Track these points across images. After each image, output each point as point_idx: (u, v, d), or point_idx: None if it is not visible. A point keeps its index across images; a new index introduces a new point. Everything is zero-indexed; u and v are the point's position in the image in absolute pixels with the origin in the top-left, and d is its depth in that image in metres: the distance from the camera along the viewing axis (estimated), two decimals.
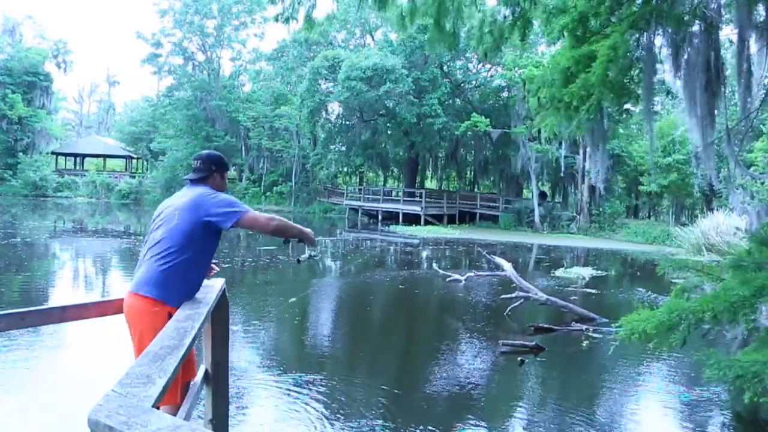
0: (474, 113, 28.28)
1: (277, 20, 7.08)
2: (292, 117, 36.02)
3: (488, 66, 32.95)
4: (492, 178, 38.18)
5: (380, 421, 5.06)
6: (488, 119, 28.20)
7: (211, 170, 3.10)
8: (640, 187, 27.47)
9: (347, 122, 33.65)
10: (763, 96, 5.36)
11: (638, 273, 15.82)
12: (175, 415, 2.40)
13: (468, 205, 31.68)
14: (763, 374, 3.74)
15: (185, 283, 2.81)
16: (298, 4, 5.99)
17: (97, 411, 1.32)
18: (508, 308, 9.31)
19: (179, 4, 40.11)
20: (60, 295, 9.87)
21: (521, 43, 5.77)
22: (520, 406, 5.70)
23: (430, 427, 5.13)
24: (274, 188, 38.76)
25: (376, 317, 10.01)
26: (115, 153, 47.14)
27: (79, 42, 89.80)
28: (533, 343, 7.50)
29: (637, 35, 4.77)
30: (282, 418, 5.16)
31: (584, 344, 7.79)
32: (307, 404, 5.40)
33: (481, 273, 11.32)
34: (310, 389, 5.80)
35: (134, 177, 43.93)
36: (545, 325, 8.58)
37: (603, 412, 5.51)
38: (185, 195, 2.99)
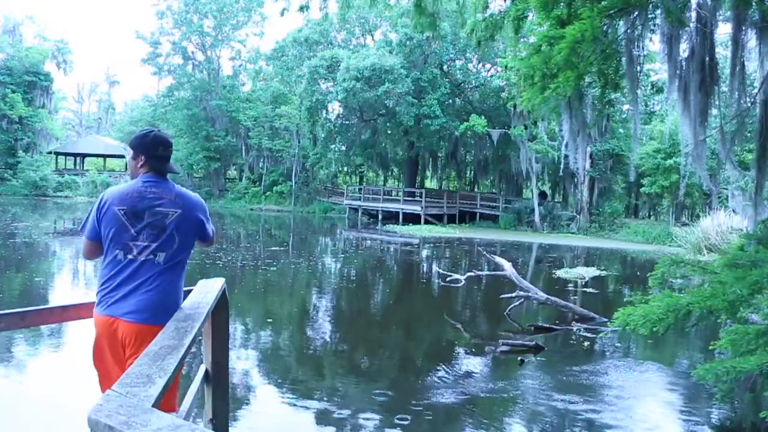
0: (474, 113, 28.26)
1: (282, 14, 7.15)
2: (292, 117, 36.02)
3: (488, 66, 32.94)
4: (492, 178, 38.17)
5: (380, 421, 5.08)
6: (488, 119, 28.18)
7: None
8: (642, 189, 27.45)
9: (347, 122, 33.63)
10: (756, 95, 5.38)
11: (638, 273, 15.83)
12: None
13: (468, 204, 31.68)
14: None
15: None
16: None
17: (97, 411, 1.33)
18: (508, 308, 9.31)
19: (178, 4, 40.12)
20: (60, 295, 9.88)
21: (515, 36, 5.79)
22: (520, 406, 5.71)
23: (430, 427, 5.14)
24: (274, 188, 38.77)
25: (375, 317, 10.02)
26: (115, 153, 47.11)
27: (79, 42, 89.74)
28: (533, 342, 7.51)
29: (620, 23, 4.80)
30: (282, 418, 5.17)
31: (584, 344, 7.80)
32: (306, 404, 5.42)
33: (481, 273, 11.33)
34: (309, 388, 5.81)
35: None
36: (545, 325, 8.59)
37: (603, 412, 5.53)
38: (170, 191, 2.71)
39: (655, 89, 25.85)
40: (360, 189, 36.05)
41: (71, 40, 67.38)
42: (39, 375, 5.91)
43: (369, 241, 22.96)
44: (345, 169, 42.95)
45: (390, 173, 44.46)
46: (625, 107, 26.03)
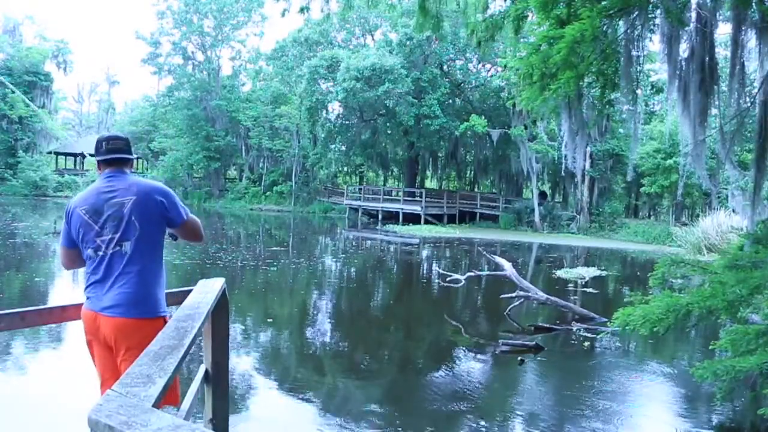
0: (474, 113, 28.26)
1: (283, 15, 7.16)
2: (292, 117, 36.02)
3: (488, 66, 32.93)
4: (492, 178, 38.18)
5: (380, 420, 5.08)
6: (488, 119, 28.17)
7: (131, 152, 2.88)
8: (641, 189, 27.45)
9: (347, 122, 33.62)
10: (756, 95, 5.38)
11: (638, 273, 15.83)
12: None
13: (468, 204, 31.68)
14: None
15: None
16: None
17: (97, 411, 1.33)
18: (508, 308, 9.32)
19: (178, 4, 40.13)
20: (60, 295, 9.89)
21: (515, 36, 5.80)
22: (520, 406, 5.72)
23: (430, 427, 5.14)
24: (274, 188, 38.77)
25: (375, 317, 10.03)
26: None
27: (79, 42, 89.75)
28: (533, 342, 7.51)
29: (620, 23, 4.80)
30: (282, 418, 5.18)
31: (584, 344, 7.80)
32: (306, 403, 5.42)
33: (481, 273, 11.34)
34: (309, 388, 5.81)
35: None
36: (545, 325, 8.59)
37: (603, 411, 5.53)
38: (124, 181, 2.75)
39: (655, 89, 25.83)
40: (360, 189, 36.05)
41: (71, 40, 67.46)
42: (39, 375, 5.91)
43: (369, 241, 22.96)
44: (345, 169, 42.95)
45: (390, 173, 44.47)
46: (625, 107, 26.01)
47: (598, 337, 7.92)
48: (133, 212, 2.62)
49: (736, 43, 4.93)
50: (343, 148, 35.46)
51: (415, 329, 9.20)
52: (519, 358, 6.92)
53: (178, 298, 2.84)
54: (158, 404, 1.44)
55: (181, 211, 2.78)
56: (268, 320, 9.02)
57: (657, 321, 4.32)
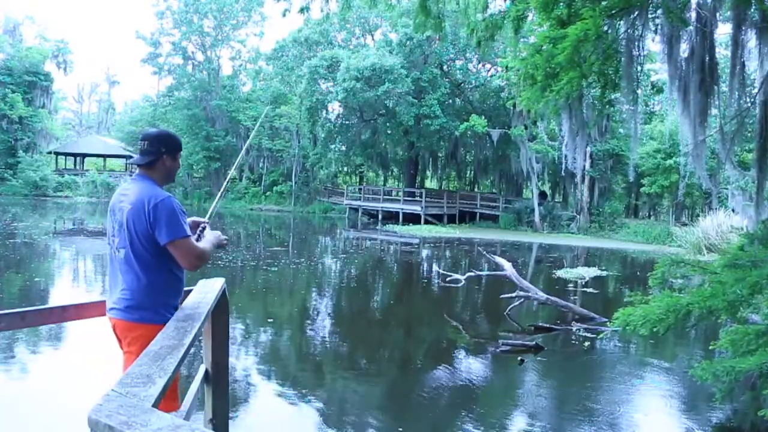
0: (474, 113, 28.26)
1: (284, 15, 7.16)
2: (292, 117, 36.03)
3: (488, 66, 32.93)
4: (492, 178, 38.17)
5: (380, 421, 5.08)
6: (488, 119, 28.17)
7: (161, 152, 2.70)
8: (642, 189, 27.45)
9: (347, 122, 33.62)
10: (756, 95, 5.38)
11: (638, 273, 15.83)
12: None
13: (468, 204, 31.68)
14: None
15: None
16: None
17: (98, 411, 1.33)
18: (508, 308, 9.32)
19: (178, 4, 40.14)
20: (60, 295, 9.89)
21: (515, 36, 5.80)
22: (520, 406, 5.72)
23: (430, 427, 5.14)
24: (274, 188, 38.78)
25: (375, 317, 10.02)
26: (115, 153, 47.11)
27: (79, 42, 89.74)
28: (533, 342, 7.51)
29: (621, 23, 4.80)
30: (282, 418, 5.17)
31: (584, 344, 7.80)
32: (306, 403, 5.42)
33: (481, 273, 11.34)
34: (309, 388, 5.81)
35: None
36: (545, 325, 8.59)
37: (602, 411, 5.53)
38: (135, 185, 2.70)
39: (655, 89, 25.78)
40: (360, 189, 36.05)
41: (71, 40, 67.34)
42: (39, 374, 5.91)
43: (369, 241, 22.96)
44: (345, 169, 42.94)
45: (390, 173, 44.47)
46: (626, 107, 26.00)
47: (599, 337, 7.91)
48: (128, 220, 2.58)
49: (737, 43, 4.93)
50: (343, 148, 35.46)
51: (415, 329, 9.20)
52: (519, 358, 6.92)
53: None
54: (157, 406, 1.44)
55: (167, 231, 2.53)
56: (269, 320, 9.02)
57: (657, 321, 4.32)
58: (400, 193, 32.77)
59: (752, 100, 5.39)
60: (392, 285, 13.61)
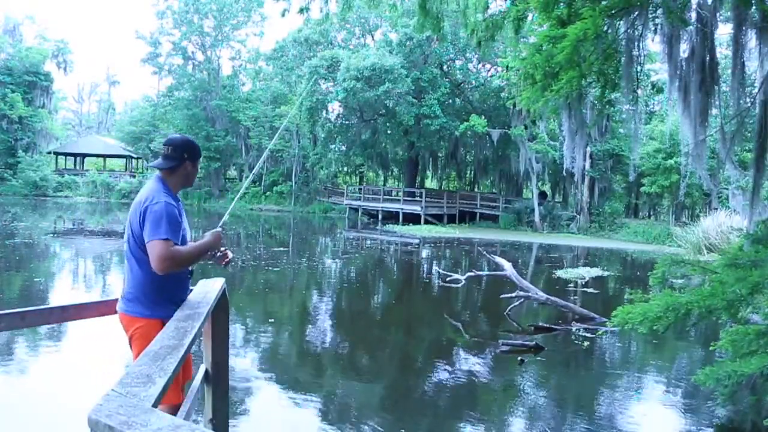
0: (474, 113, 28.26)
1: (283, 15, 7.16)
2: (292, 117, 36.05)
3: (488, 66, 32.93)
4: (492, 178, 38.18)
5: (380, 421, 5.08)
6: (488, 119, 28.17)
7: (183, 158, 2.85)
8: (642, 189, 27.45)
9: (347, 122, 33.63)
10: (756, 95, 5.38)
11: (638, 273, 15.83)
12: (175, 415, 2.41)
13: (468, 204, 31.68)
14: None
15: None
16: None
17: (98, 411, 1.33)
18: (508, 308, 9.32)
19: (178, 4, 40.15)
20: (60, 295, 9.88)
21: (515, 36, 5.80)
22: (520, 406, 5.71)
23: (429, 427, 5.14)
24: (274, 188, 38.78)
25: (375, 317, 10.02)
26: (115, 153, 47.14)
27: (79, 42, 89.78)
28: (533, 342, 7.51)
29: (620, 23, 4.81)
30: (282, 418, 5.17)
31: (584, 344, 7.80)
32: (306, 403, 5.42)
33: (481, 273, 11.33)
34: (309, 388, 5.81)
35: (134, 177, 43.94)
36: (545, 325, 8.59)
37: (602, 411, 5.53)
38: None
39: (655, 89, 25.78)
40: (360, 189, 36.05)
41: (71, 40, 67.39)
42: (39, 374, 5.91)
43: (369, 241, 22.96)
44: (345, 169, 42.95)
45: (390, 173, 44.48)
46: (626, 107, 26.06)
47: (597, 335, 7.91)
48: (130, 218, 2.77)
49: (737, 43, 4.93)
50: (343, 148, 35.48)
51: (415, 329, 9.20)
52: (519, 358, 6.91)
53: None
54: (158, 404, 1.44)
55: (149, 231, 2.61)
56: (269, 320, 9.02)
57: (656, 319, 4.32)
58: (400, 193, 32.77)
59: (752, 99, 5.39)
60: (392, 285, 13.61)
